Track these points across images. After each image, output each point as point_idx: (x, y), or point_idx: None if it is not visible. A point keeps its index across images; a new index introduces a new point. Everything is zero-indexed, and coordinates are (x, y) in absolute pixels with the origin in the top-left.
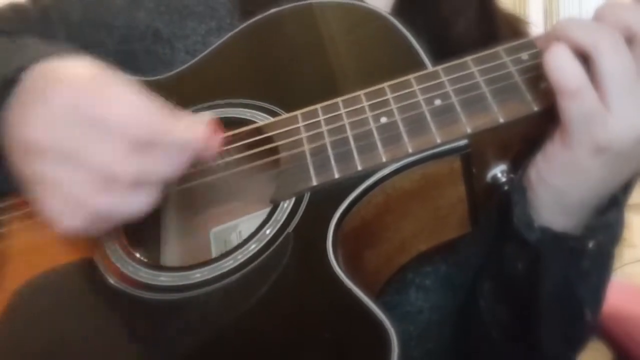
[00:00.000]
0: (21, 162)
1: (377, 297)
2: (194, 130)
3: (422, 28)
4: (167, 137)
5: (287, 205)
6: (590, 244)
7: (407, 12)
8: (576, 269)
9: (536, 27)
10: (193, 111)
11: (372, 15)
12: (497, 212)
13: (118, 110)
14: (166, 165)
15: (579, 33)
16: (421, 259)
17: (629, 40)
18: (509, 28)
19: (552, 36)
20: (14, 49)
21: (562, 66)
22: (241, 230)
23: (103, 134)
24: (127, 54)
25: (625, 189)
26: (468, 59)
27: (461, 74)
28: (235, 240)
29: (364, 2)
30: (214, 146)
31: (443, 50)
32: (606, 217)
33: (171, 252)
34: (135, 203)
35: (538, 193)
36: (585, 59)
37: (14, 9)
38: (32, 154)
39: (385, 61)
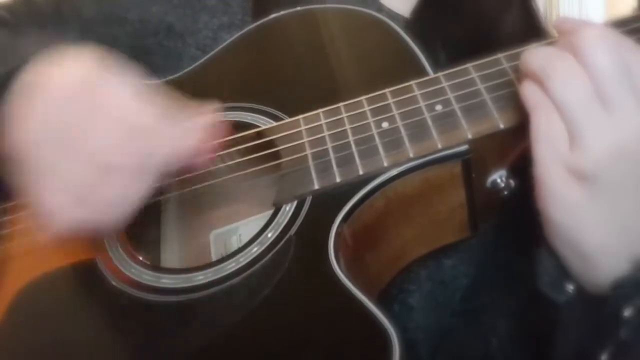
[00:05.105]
0: (21, 158)
1: (379, 299)
2: (187, 137)
3: (450, 29)
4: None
5: (289, 209)
6: (627, 312)
7: (431, 13)
8: (609, 339)
9: None
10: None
11: (373, 21)
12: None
13: (114, 101)
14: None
15: (533, 63)
16: (404, 277)
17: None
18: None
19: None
20: (10, 45)
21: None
22: (241, 233)
23: (99, 122)
24: (140, 49)
25: None
26: (469, 65)
27: (462, 80)
28: (235, 243)
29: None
30: (207, 154)
31: (487, 50)
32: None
33: (171, 253)
34: (133, 191)
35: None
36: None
37: (26, 3)
38: (31, 146)
39: (387, 67)
